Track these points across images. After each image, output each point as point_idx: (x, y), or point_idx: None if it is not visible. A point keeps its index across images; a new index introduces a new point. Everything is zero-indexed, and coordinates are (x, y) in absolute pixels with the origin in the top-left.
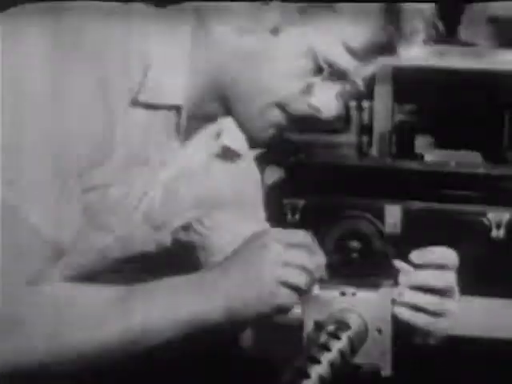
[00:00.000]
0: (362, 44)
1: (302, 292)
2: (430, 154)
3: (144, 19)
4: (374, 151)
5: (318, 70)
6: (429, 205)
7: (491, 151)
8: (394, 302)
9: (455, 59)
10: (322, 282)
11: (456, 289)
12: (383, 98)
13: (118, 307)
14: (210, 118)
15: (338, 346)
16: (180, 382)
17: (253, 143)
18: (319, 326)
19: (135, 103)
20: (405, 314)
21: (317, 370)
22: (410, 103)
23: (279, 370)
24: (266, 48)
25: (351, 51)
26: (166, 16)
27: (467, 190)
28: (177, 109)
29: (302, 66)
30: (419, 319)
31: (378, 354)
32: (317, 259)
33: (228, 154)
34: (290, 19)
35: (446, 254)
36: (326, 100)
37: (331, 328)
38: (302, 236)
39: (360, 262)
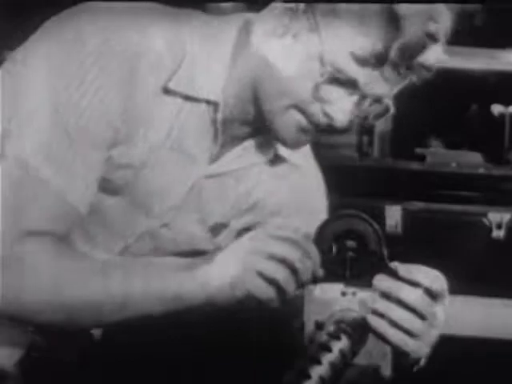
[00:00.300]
0: (367, 52)
1: (280, 288)
2: (430, 155)
3: (192, 21)
4: (374, 151)
5: (328, 74)
6: (429, 205)
7: (492, 152)
8: (371, 309)
9: (456, 59)
10: (322, 282)
11: (438, 317)
12: None
13: (118, 274)
14: (246, 122)
15: (338, 346)
16: (179, 382)
17: (284, 144)
18: (320, 327)
19: (166, 91)
20: (380, 325)
21: (317, 371)
22: (411, 104)
23: (280, 371)
24: (287, 51)
25: (356, 58)
26: (216, 21)
27: (468, 190)
28: (214, 105)
29: (314, 70)
30: (395, 335)
31: (378, 355)
32: (308, 261)
33: (281, 163)
34: (310, 25)
35: (435, 278)
36: (340, 110)
37: (332, 328)
38: (296, 235)
39: (356, 262)
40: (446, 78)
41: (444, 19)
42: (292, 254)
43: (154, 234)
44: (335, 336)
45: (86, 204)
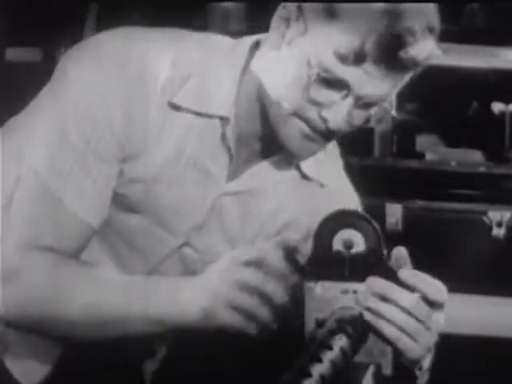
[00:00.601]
0: (347, 49)
1: (250, 316)
2: (431, 153)
3: (203, 41)
4: (374, 151)
5: (316, 75)
6: (430, 203)
7: (492, 150)
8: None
9: (456, 57)
10: (323, 280)
11: (435, 320)
12: None
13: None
14: (259, 137)
15: (339, 344)
16: (177, 381)
17: (293, 154)
18: (321, 324)
19: (174, 107)
20: (376, 321)
21: (318, 369)
22: (411, 102)
23: (280, 369)
24: (281, 59)
25: (339, 56)
26: (228, 41)
27: (468, 188)
28: (226, 120)
29: (306, 74)
30: (390, 332)
31: (379, 353)
32: (278, 282)
33: (305, 182)
34: (301, 29)
35: (435, 288)
36: (335, 114)
37: (332, 326)
38: (265, 255)
39: (355, 260)
40: (446, 76)
41: (426, 15)
42: (255, 279)
43: (181, 256)
44: (336, 334)
45: (96, 217)
